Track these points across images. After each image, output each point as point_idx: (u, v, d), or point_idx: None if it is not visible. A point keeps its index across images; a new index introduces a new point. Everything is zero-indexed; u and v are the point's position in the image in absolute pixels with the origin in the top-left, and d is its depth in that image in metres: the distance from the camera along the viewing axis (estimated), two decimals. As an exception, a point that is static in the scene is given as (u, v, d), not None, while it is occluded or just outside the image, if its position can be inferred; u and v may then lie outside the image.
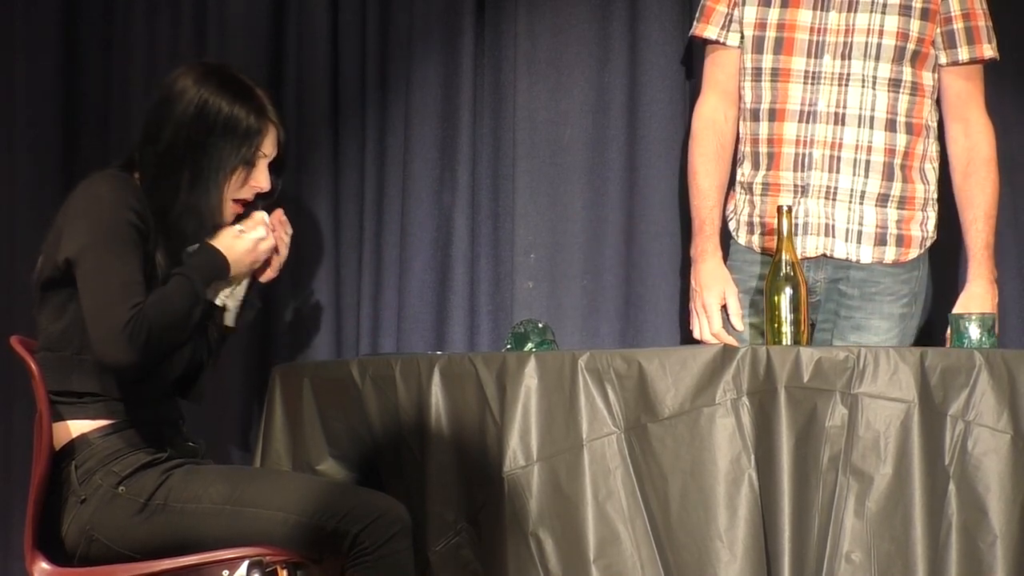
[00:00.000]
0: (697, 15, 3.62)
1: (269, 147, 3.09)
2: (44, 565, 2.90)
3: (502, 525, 2.84)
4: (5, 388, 4.12)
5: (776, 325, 3.05)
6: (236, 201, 3.09)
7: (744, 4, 3.54)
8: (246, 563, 2.85)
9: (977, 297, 3.43)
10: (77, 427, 2.94)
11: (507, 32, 4.05)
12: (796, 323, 3.05)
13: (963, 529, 2.77)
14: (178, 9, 4.21)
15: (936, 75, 3.49)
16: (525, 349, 3.17)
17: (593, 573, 2.77)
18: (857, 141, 3.44)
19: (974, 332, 3.03)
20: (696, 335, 3.48)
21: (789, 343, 3.03)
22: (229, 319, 3.16)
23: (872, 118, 3.43)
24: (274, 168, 3.12)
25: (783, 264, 3.08)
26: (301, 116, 4.15)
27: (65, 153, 4.21)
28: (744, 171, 3.56)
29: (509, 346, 3.24)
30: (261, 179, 3.09)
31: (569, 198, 3.99)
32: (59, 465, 2.92)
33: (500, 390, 2.87)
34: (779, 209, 3.13)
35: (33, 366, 2.94)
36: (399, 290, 4.05)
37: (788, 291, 3.06)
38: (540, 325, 3.24)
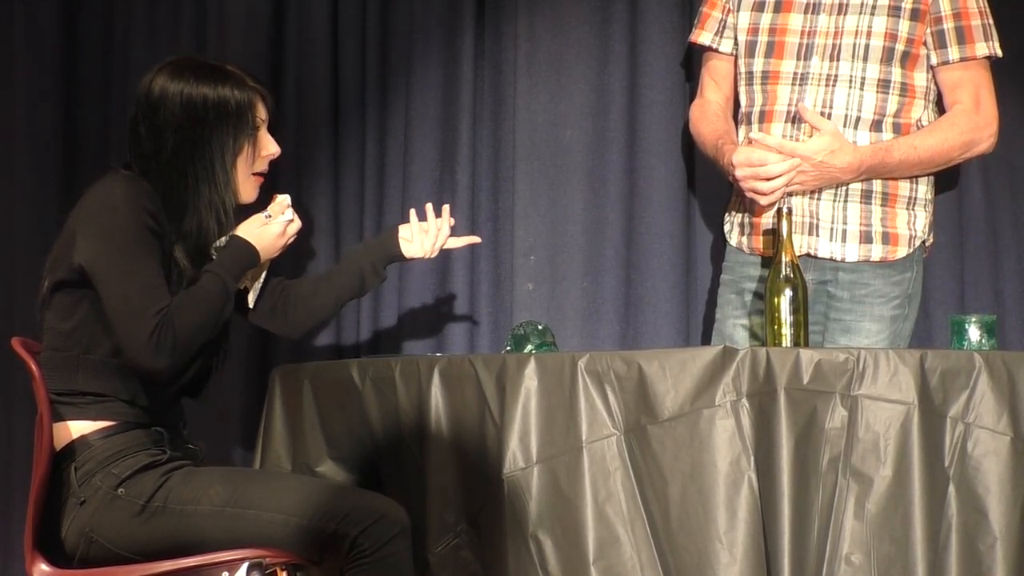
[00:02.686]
0: (695, 21, 3.64)
1: (263, 113, 3.11)
2: (44, 567, 2.89)
3: (502, 527, 2.84)
4: (6, 389, 4.12)
5: (776, 327, 3.05)
6: (255, 175, 3.11)
7: (739, 10, 3.55)
8: (246, 565, 2.85)
9: (835, 148, 3.34)
10: (77, 428, 2.94)
11: (507, 33, 4.05)
12: (796, 325, 3.05)
13: (963, 531, 2.77)
14: (178, 10, 4.21)
15: (929, 76, 3.49)
16: (525, 351, 3.17)
17: (593, 575, 2.77)
18: None
19: (974, 334, 3.03)
20: (762, 202, 3.39)
21: (789, 345, 3.03)
22: (251, 300, 3.20)
23: (858, 118, 3.43)
24: (270, 131, 3.13)
25: (783, 266, 3.08)
26: (301, 116, 4.15)
27: (65, 153, 4.21)
28: (739, 173, 3.57)
29: (509, 348, 3.24)
30: (269, 145, 3.12)
31: (569, 200, 3.99)
32: (59, 466, 2.92)
33: (500, 392, 2.87)
34: (779, 211, 3.14)
35: (34, 368, 2.93)
36: (399, 291, 4.05)
37: (788, 293, 3.06)
38: (540, 327, 3.24)
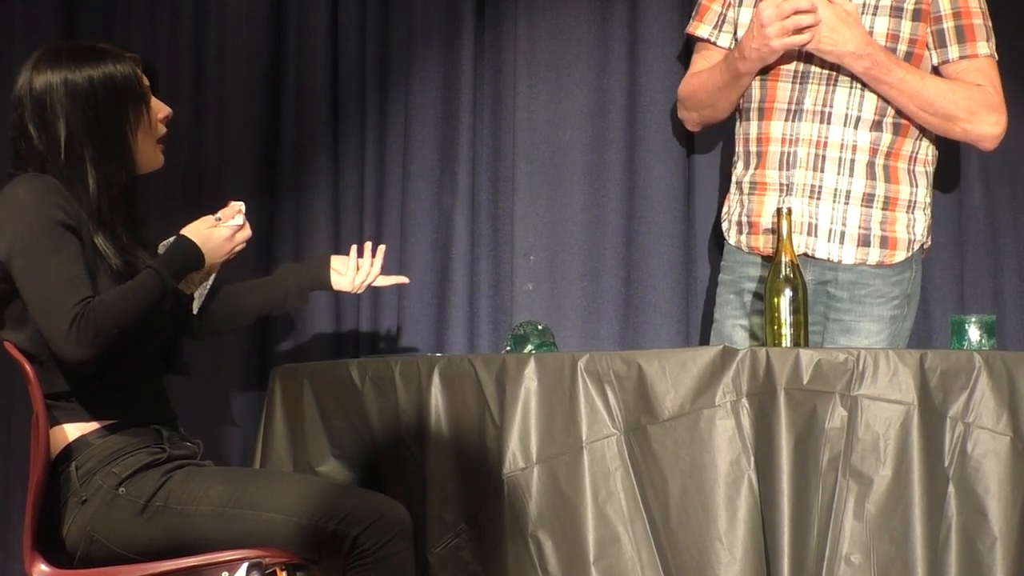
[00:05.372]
0: (693, 13, 3.64)
1: (144, 79, 3.07)
2: (43, 567, 2.89)
3: (502, 527, 2.84)
4: (5, 390, 4.12)
5: (776, 327, 3.05)
6: (159, 142, 3.08)
7: (740, 5, 3.55)
8: (246, 565, 2.85)
9: (855, 21, 3.35)
10: (74, 429, 2.93)
11: (507, 34, 4.05)
12: (796, 325, 3.05)
13: (962, 531, 2.78)
14: (178, 10, 4.21)
15: None
16: (525, 351, 3.18)
17: (593, 574, 2.77)
18: (842, 140, 3.43)
19: (974, 334, 3.03)
20: (778, 46, 3.37)
21: (789, 345, 3.03)
22: (195, 307, 3.16)
23: (858, 118, 3.42)
24: (153, 93, 3.10)
25: (783, 266, 3.08)
26: (301, 116, 4.15)
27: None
28: (737, 170, 3.57)
29: (509, 348, 3.24)
30: (161, 108, 3.09)
31: (569, 200, 4.00)
32: (59, 466, 2.92)
33: (500, 392, 2.87)
34: (778, 211, 3.14)
35: (28, 368, 2.93)
36: (399, 291, 4.05)
37: (788, 293, 3.06)
38: (540, 327, 3.24)
